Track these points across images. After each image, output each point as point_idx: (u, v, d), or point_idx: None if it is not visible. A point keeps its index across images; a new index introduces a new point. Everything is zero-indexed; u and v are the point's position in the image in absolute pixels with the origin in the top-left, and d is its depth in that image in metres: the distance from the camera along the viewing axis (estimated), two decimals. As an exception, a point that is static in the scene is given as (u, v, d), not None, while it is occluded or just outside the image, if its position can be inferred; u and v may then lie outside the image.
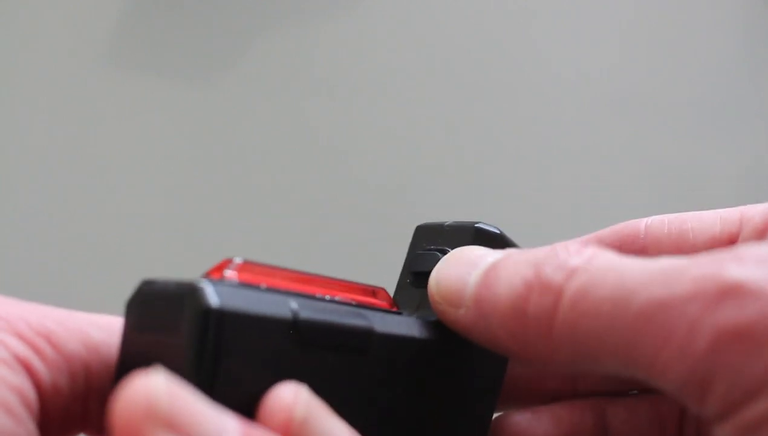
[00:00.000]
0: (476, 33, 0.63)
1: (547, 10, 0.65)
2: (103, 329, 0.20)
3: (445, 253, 0.22)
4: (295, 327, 0.18)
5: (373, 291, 0.22)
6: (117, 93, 0.59)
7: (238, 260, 0.19)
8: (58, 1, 0.64)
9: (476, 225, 0.23)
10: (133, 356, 0.18)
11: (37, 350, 0.18)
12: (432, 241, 0.23)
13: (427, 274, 0.22)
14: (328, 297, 0.20)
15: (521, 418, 0.25)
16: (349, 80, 0.60)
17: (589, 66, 0.61)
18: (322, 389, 0.18)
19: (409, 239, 0.24)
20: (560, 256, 0.19)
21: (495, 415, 0.25)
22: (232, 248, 0.48)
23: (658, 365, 0.17)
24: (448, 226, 0.23)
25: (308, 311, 0.18)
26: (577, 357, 0.18)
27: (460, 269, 0.21)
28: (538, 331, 0.18)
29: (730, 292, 0.17)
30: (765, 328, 0.16)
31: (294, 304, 0.18)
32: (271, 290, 0.18)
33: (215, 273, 0.19)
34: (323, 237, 0.55)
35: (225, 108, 0.58)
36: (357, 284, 0.21)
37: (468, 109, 0.59)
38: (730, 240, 0.23)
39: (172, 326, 0.17)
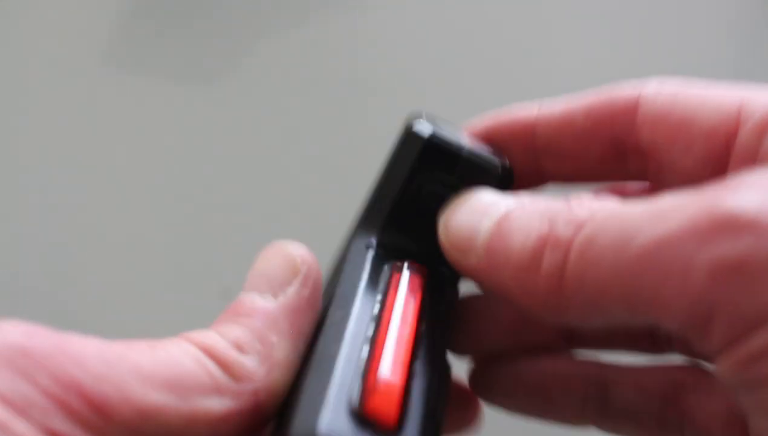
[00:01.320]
0: (477, 33, 0.63)
1: (547, 9, 0.65)
2: (160, 386, 0.18)
3: (453, 190, 0.23)
4: None
5: None
6: (117, 94, 0.59)
7: None
8: (58, 1, 0.64)
9: (501, 162, 0.24)
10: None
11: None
12: (436, 162, 0.23)
13: (430, 210, 0.23)
14: None
15: (518, 363, 0.25)
16: (351, 81, 0.60)
17: (591, 68, 0.61)
18: None
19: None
20: (572, 209, 0.19)
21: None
22: (232, 248, 0.48)
23: (659, 306, 0.17)
24: (466, 154, 0.23)
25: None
26: (587, 310, 0.18)
27: (472, 217, 0.21)
28: (549, 286, 0.18)
29: (725, 225, 0.16)
30: (759, 261, 0.16)
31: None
32: None
33: None
34: (325, 238, 0.55)
35: (226, 109, 0.58)
36: None
37: (469, 109, 0.59)
38: (727, 139, 0.21)
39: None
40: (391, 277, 0.22)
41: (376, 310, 0.21)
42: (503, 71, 0.60)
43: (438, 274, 0.23)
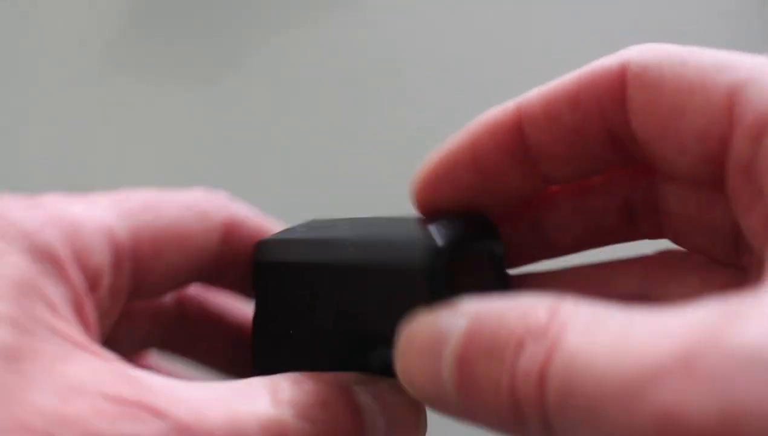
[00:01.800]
0: (478, 32, 0.63)
1: (547, 9, 0.64)
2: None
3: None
4: None
5: None
6: (117, 94, 0.59)
7: None
8: (59, 2, 0.64)
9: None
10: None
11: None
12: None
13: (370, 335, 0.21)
14: None
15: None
16: (351, 81, 0.60)
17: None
18: None
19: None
20: (527, 352, 0.16)
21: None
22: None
23: None
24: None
25: None
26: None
27: (426, 365, 0.18)
28: (535, 424, 0.16)
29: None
30: None
31: None
32: None
33: None
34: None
35: (226, 109, 0.58)
36: None
37: (470, 109, 0.58)
38: (721, 142, 0.19)
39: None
40: None
41: None
42: (504, 71, 0.60)
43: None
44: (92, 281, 0.20)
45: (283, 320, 0.23)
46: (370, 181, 0.62)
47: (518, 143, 0.21)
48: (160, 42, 0.62)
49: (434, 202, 0.23)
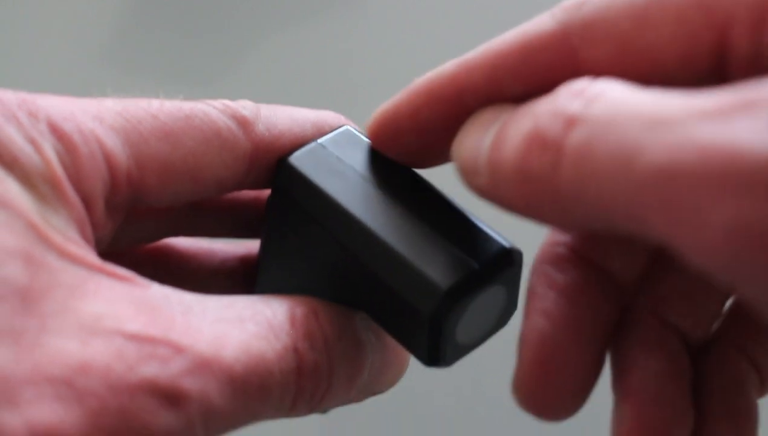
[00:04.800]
0: (477, 33, 0.63)
1: (547, 9, 0.64)
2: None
3: None
4: None
5: None
6: (117, 94, 0.58)
7: None
8: (58, 1, 0.64)
9: None
10: None
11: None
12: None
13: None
14: None
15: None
16: (351, 81, 0.60)
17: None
18: None
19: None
20: (559, 100, 0.16)
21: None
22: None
23: (671, 245, 0.15)
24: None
25: None
26: (591, 220, 0.16)
27: (476, 135, 0.19)
28: (545, 193, 0.16)
29: (741, 184, 0.13)
30: None
31: None
32: None
33: None
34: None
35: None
36: None
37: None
38: (695, 39, 0.17)
39: None
40: None
41: None
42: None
43: None
44: (86, 203, 0.19)
45: (289, 247, 0.23)
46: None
47: (460, 113, 0.20)
48: (160, 41, 0.61)
49: (389, 150, 0.22)
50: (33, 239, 0.18)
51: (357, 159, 0.23)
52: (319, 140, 0.23)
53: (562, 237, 0.21)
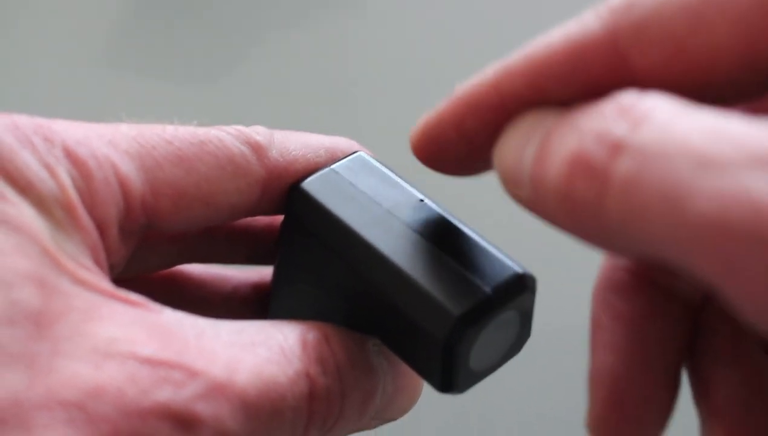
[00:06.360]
0: (477, 33, 0.63)
1: (547, 10, 0.65)
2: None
3: None
4: None
5: None
6: (117, 94, 0.58)
7: None
8: (59, 1, 0.64)
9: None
10: None
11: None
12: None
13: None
14: None
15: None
16: (352, 81, 0.60)
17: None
18: None
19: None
20: (605, 120, 0.16)
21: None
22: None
23: (719, 293, 0.14)
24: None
25: None
26: (638, 251, 0.15)
27: (518, 143, 0.18)
28: (590, 219, 0.16)
29: None
30: None
31: None
32: None
33: None
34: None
35: (226, 109, 0.58)
36: None
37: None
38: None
39: None
40: None
41: None
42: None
43: None
44: (100, 229, 0.20)
45: (302, 272, 0.23)
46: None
47: (504, 119, 0.20)
48: (161, 40, 0.62)
49: (434, 162, 0.22)
50: (46, 263, 0.18)
51: (370, 185, 0.23)
52: (332, 166, 0.24)
53: (619, 260, 0.20)
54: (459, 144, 0.21)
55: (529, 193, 0.17)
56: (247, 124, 0.24)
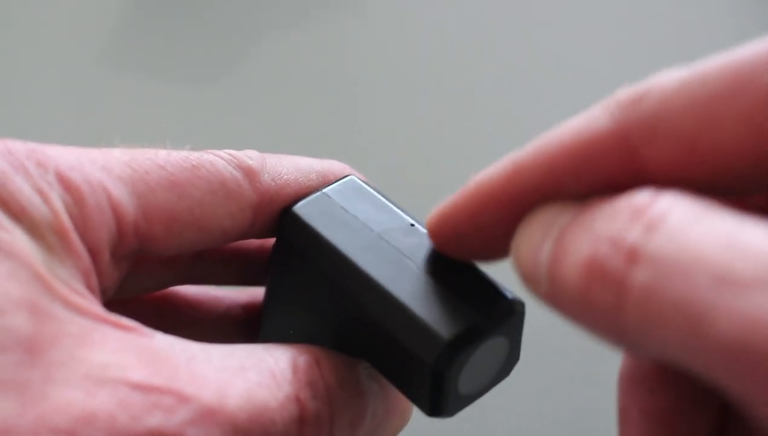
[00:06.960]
0: (477, 33, 0.63)
1: (547, 10, 0.64)
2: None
3: None
4: None
5: None
6: (117, 94, 0.58)
7: None
8: (58, 1, 0.64)
9: None
10: None
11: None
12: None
13: None
14: None
15: None
16: (352, 81, 0.60)
17: (594, 71, 0.60)
18: None
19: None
20: (618, 223, 0.16)
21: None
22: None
23: (740, 405, 0.14)
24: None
25: None
26: (658, 358, 0.15)
27: (534, 240, 0.18)
28: (608, 324, 0.16)
29: None
30: None
31: None
32: None
33: None
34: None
35: (226, 109, 0.58)
36: None
37: (473, 110, 0.58)
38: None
39: None
40: None
41: None
42: (505, 71, 0.60)
43: None
44: (93, 254, 0.20)
45: (293, 295, 0.24)
46: (370, 180, 0.61)
47: (519, 213, 0.19)
48: (161, 40, 0.62)
49: (452, 250, 0.22)
50: (39, 289, 0.18)
51: (361, 209, 0.23)
52: (324, 190, 0.24)
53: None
54: (475, 236, 0.20)
55: (547, 291, 0.17)
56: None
